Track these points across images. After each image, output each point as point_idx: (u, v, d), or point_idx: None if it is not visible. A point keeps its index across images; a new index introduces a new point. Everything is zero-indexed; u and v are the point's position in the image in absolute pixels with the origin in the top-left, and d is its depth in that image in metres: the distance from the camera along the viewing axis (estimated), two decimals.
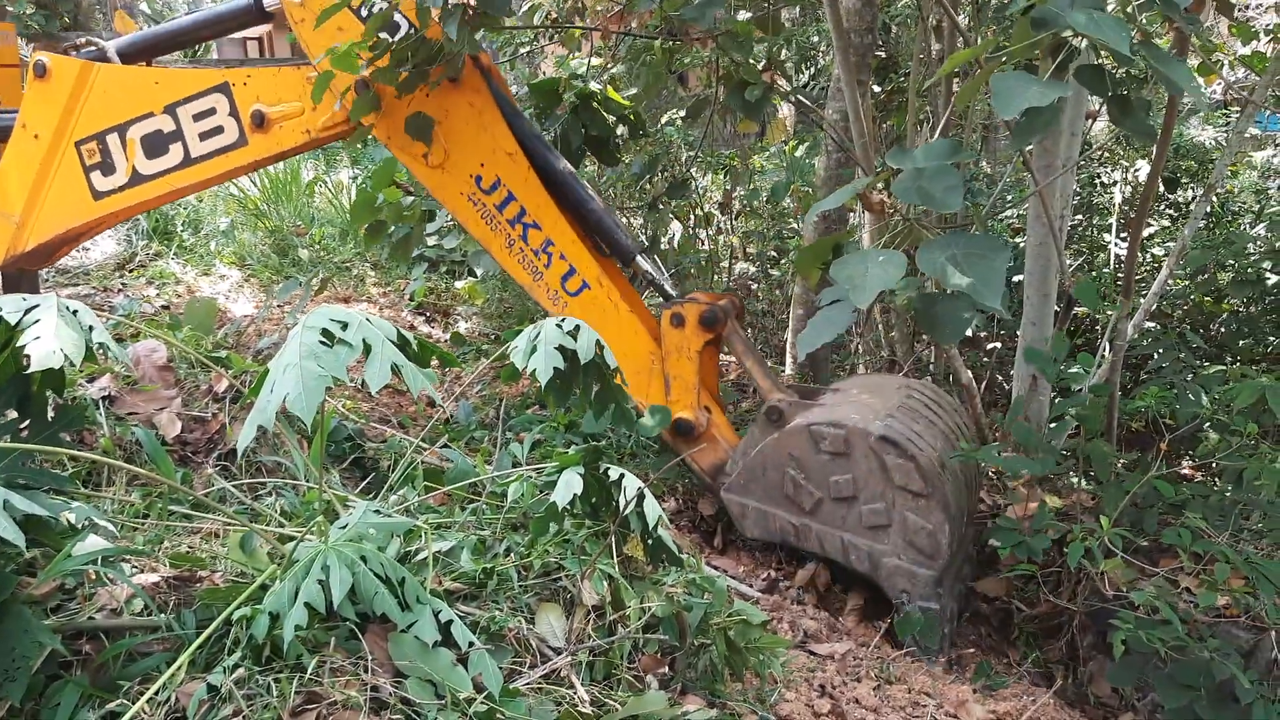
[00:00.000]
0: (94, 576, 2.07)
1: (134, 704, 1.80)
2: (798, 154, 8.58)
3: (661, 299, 4.14)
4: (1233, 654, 3.33)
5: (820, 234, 5.81)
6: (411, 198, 6.00)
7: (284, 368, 1.98)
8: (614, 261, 4.22)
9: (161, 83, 4.14)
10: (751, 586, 4.04)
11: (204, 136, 4.11)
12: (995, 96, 2.24)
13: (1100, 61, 2.80)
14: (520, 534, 2.70)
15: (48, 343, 1.95)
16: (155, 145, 4.16)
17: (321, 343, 2.03)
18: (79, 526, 2.05)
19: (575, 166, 4.81)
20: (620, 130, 5.31)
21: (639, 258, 4.12)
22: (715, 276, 7.67)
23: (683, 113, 7.17)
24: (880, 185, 2.76)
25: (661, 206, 6.58)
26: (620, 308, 4.04)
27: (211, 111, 4.10)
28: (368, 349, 2.09)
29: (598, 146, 5.15)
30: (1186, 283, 7.35)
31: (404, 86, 3.77)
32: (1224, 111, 9.09)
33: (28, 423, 2.15)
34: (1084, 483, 4.39)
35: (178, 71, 4.58)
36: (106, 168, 4.24)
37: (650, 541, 2.62)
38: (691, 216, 7.85)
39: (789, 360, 7.46)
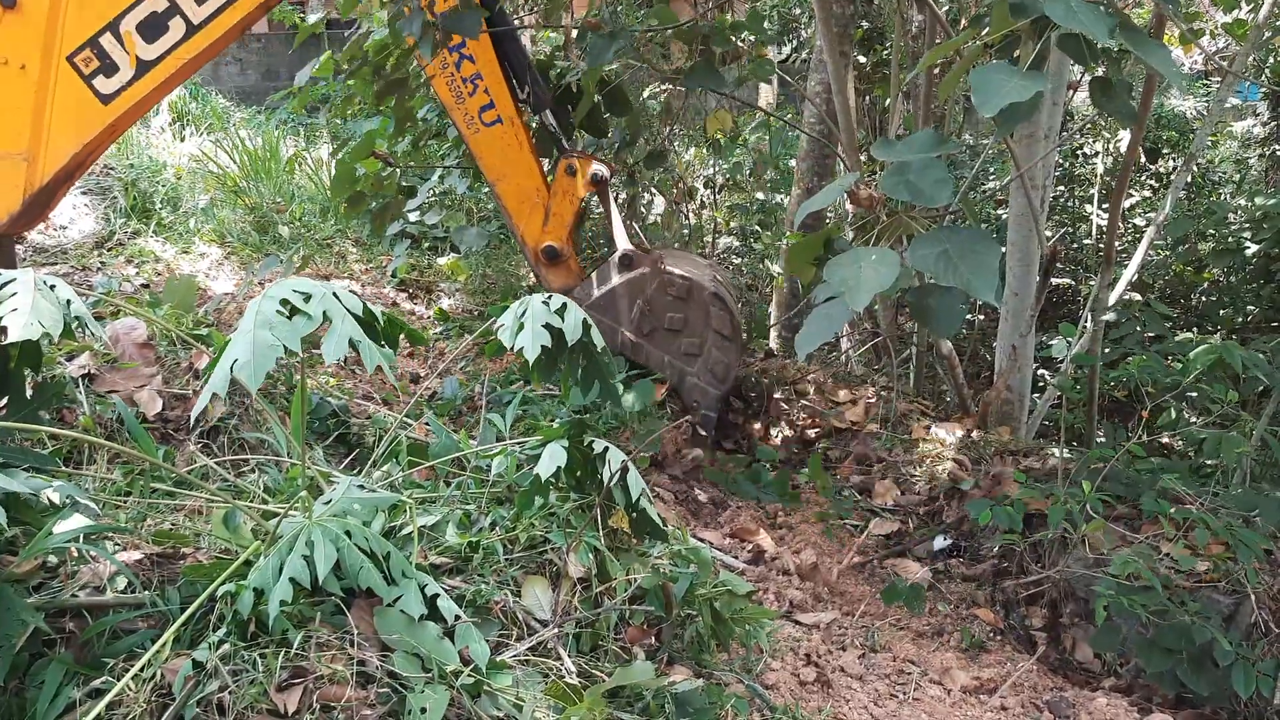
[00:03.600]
0: (76, 554, 2.06)
1: (119, 681, 1.80)
2: (779, 126, 8.54)
3: (557, 150, 4.88)
4: (1213, 618, 3.37)
5: (796, 217, 5.85)
6: (390, 169, 5.96)
7: (238, 336, 1.96)
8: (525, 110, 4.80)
9: None
10: (737, 558, 4.06)
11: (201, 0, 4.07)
12: (975, 93, 2.24)
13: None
14: (505, 508, 2.69)
15: (24, 316, 1.93)
16: (154, 27, 4.09)
17: (279, 313, 2.00)
18: (60, 504, 2.03)
19: (567, 138, 4.97)
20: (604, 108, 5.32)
21: (546, 111, 4.76)
22: (699, 251, 7.65)
23: (663, 89, 7.15)
24: (868, 179, 2.75)
25: (638, 177, 6.57)
26: (524, 147, 4.65)
27: None
28: (329, 322, 2.06)
29: (586, 119, 5.18)
30: (1167, 253, 7.38)
31: None
32: (1204, 82, 9.11)
33: (5, 401, 2.13)
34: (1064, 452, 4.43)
35: None
36: (108, 69, 4.17)
37: (635, 514, 2.62)
38: (674, 190, 7.83)
39: (773, 334, 7.47)
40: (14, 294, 2.01)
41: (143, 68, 4.15)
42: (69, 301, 2.08)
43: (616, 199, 5.08)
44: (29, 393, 2.18)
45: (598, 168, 4.75)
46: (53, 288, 2.08)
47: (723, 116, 6.81)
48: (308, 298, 2.04)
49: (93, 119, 4.22)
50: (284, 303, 2.00)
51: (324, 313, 2.04)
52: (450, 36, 3.96)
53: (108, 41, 4.11)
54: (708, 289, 4.74)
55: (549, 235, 4.82)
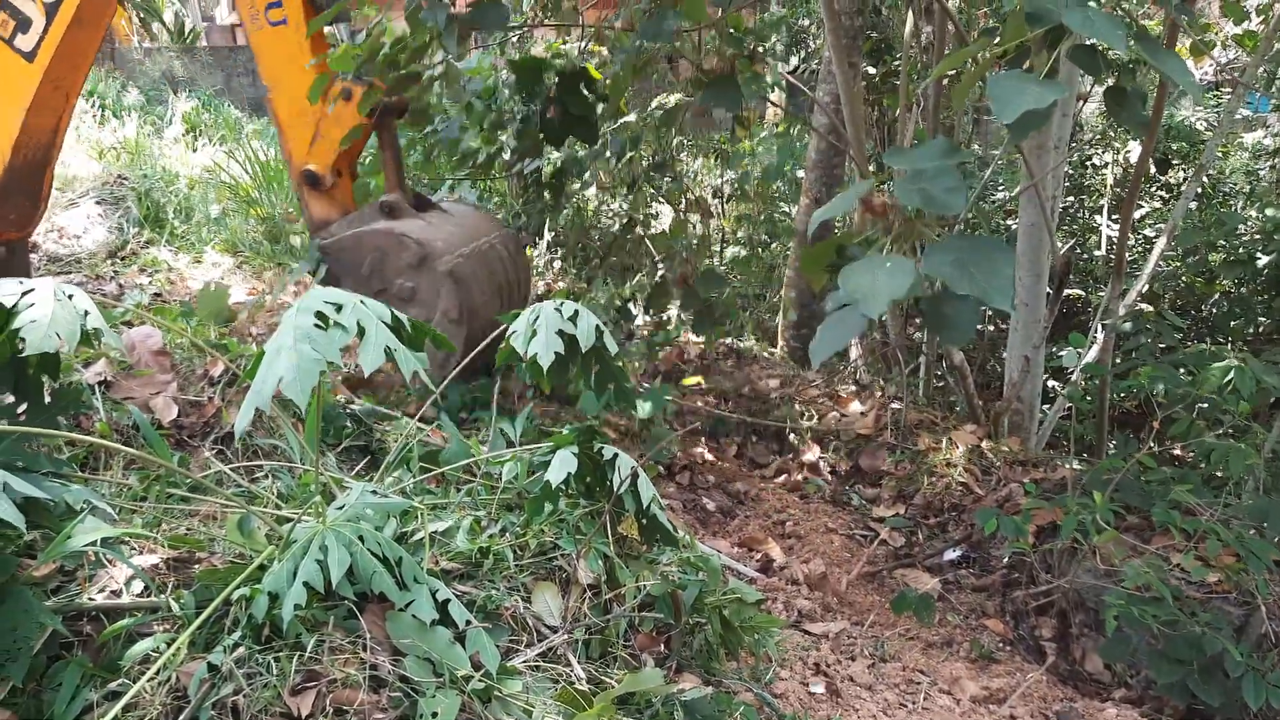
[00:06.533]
0: (93, 558, 2.08)
1: (135, 683, 1.81)
2: (786, 135, 8.57)
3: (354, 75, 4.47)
4: (1224, 629, 3.36)
5: (810, 225, 5.83)
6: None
7: (279, 351, 1.98)
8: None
9: None
10: (746, 567, 4.07)
11: None
12: (994, 101, 2.24)
13: (1093, 41, 2.81)
14: (515, 514, 2.71)
15: (43, 325, 1.96)
16: None
17: (316, 325, 2.03)
18: (78, 509, 2.05)
19: (558, 144, 4.89)
20: (600, 109, 5.30)
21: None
22: (706, 260, 7.67)
23: (671, 98, 7.17)
24: (881, 187, 2.76)
25: (642, 187, 6.59)
26: (305, 58, 4.32)
27: None
28: (362, 332, 2.09)
29: (577, 125, 5.15)
30: (1178, 264, 7.37)
31: None
32: (1215, 93, 9.11)
33: (24, 407, 2.15)
34: (1074, 463, 4.43)
35: None
36: (23, 25, 4.11)
37: (644, 521, 2.63)
38: (683, 200, 7.85)
39: (781, 342, 7.48)
40: (33, 304, 2.03)
41: (50, 11, 4.07)
42: (86, 312, 2.10)
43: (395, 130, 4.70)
44: (47, 399, 2.20)
45: (376, 99, 4.40)
46: (71, 297, 2.11)
47: (751, 117, 6.80)
48: (339, 308, 2.06)
49: (25, 80, 4.17)
50: (318, 315, 2.03)
51: (357, 322, 2.06)
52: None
53: None
54: (441, 268, 4.31)
55: (313, 158, 4.50)
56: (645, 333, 6.54)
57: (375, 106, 4.36)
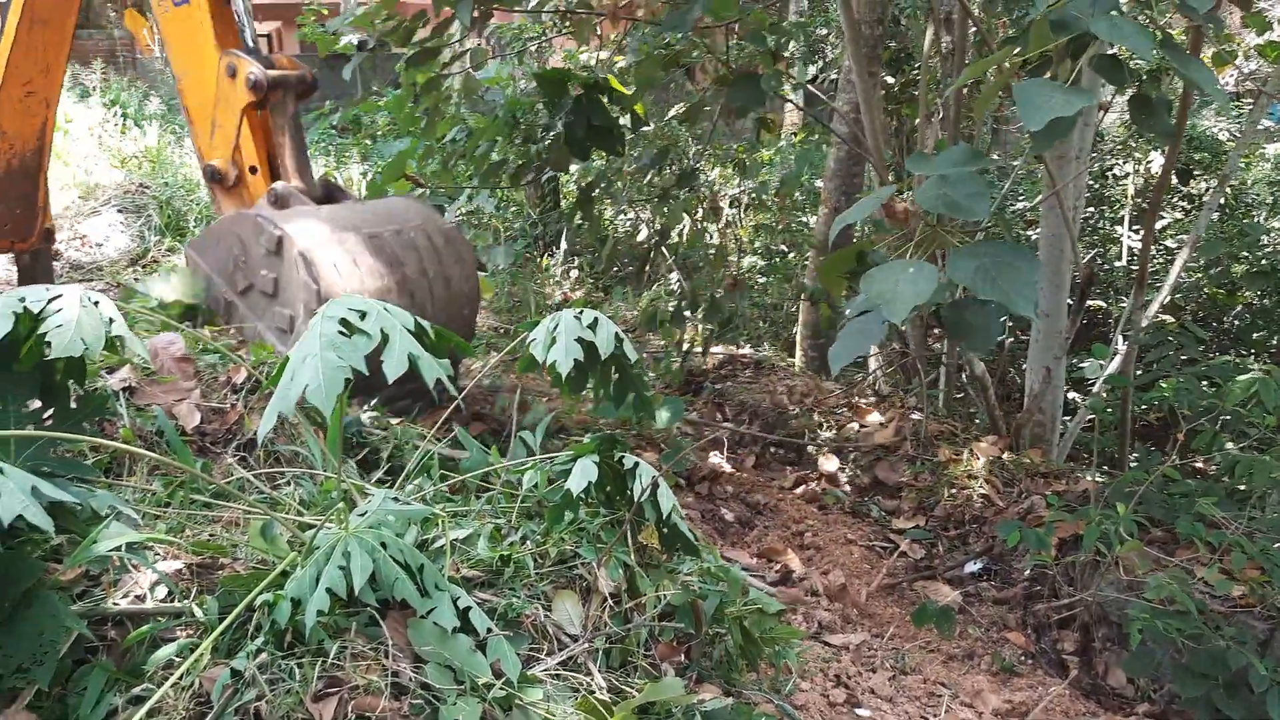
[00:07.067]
0: (118, 563, 2.09)
1: (159, 689, 1.82)
2: (805, 145, 8.57)
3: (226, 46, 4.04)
4: (1249, 643, 3.32)
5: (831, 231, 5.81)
6: (420, 189, 6.02)
7: (303, 358, 1.99)
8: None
9: None
10: (765, 579, 4.05)
11: None
12: (1020, 107, 2.23)
13: (1116, 51, 2.80)
14: (536, 522, 2.71)
15: (69, 330, 1.97)
16: None
17: (340, 332, 2.04)
18: (103, 514, 2.07)
19: (583, 157, 4.81)
20: (624, 121, 5.31)
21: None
22: (723, 270, 7.67)
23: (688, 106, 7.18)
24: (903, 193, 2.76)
25: (673, 199, 6.60)
26: (208, 40, 3.96)
27: None
28: (385, 339, 2.10)
29: (601, 137, 5.15)
30: (1200, 275, 7.33)
31: None
32: (1237, 103, 9.06)
33: (51, 411, 2.17)
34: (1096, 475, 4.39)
35: None
36: None
37: (665, 530, 2.63)
38: (700, 210, 7.86)
39: (799, 353, 7.46)
40: (60, 309, 2.05)
41: (3, 10, 4.04)
42: (111, 319, 2.12)
43: (298, 109, 4.16)
44: (73, 404, 2.22)
45: (254, 70, 3.89)
46: (96, 304, 2.13)
47: (776, 121, 6.81)
48: (363, 315, 2.07)
49: None
50: (343, 322, 2.04)
51: (381, 329, 2.07)
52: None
53: None
54: (299, 246, 3.60)
55: (214, 151, 4.04)
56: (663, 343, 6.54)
57: (261, 83, 3.88)
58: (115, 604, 2.03)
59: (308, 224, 3.76)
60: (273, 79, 3.94)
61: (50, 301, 2.07)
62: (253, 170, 4.09)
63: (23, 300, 2.04)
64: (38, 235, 4.74)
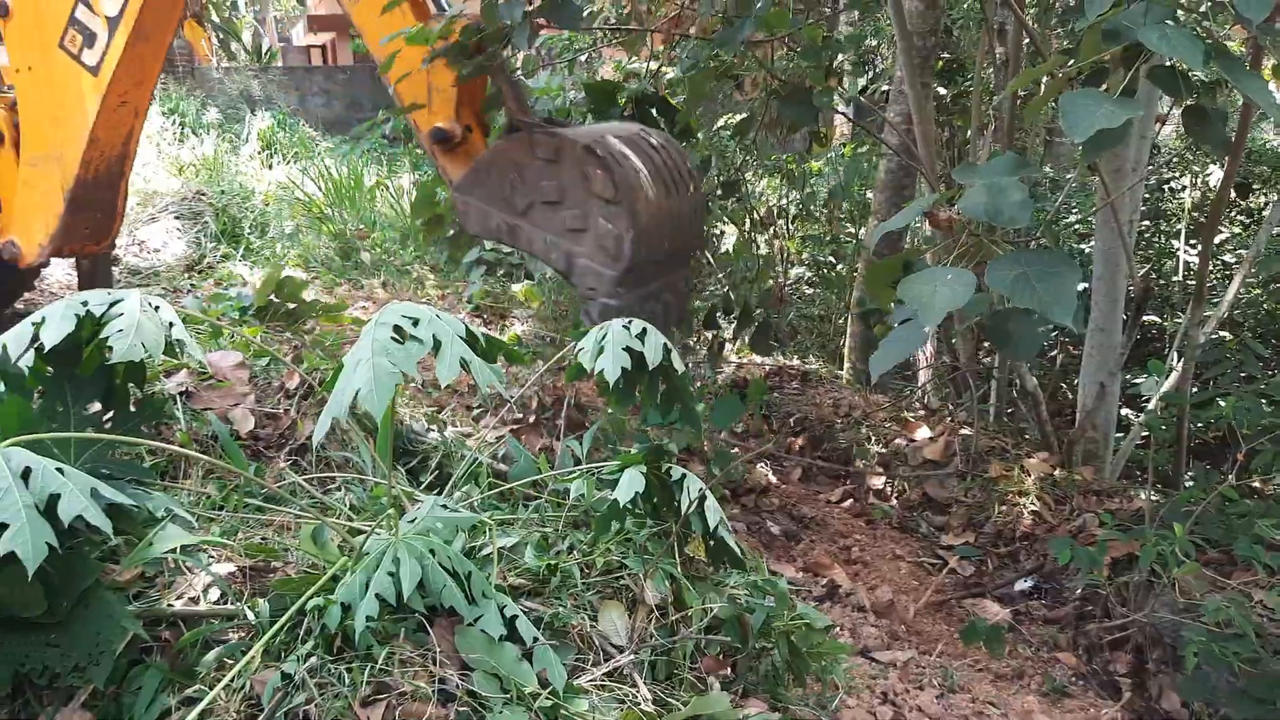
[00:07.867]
0: (173, 565, 2.12)
1: (211, 690, 1.84)
2: (855, 156, 8.51)
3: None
4: None
5: (882, 247, 5.76)
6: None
7: (356, 363, 2.01)
8: None
9: None
10: (810, 593, 4.02)
11: None
12: (1065, 118, 2.20)
13: (1173, 62, 2.74)
14: (583, 532, 2.71)
15: (130, 335, 2.01)
16: None
17: (393, 339, 2.06)
18: (159, 516, 2.10)
19: None
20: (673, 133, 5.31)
21: None
22: (771, 280, 7.64)
23: (737, 118, 7.17)
24: (947, 201, 2.73)
25: (713, 207, 6.58)
26: (405, 17, 3.96)
27: None
28: (437, 345, 2.12)
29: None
30: (1259, 291, 7.16)
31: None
32: None
33: (111, 414, 2.21)
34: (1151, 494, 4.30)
35: None
36: (88, 39, 4.19)
37: (712, 543, 2.61)
38: (747, 220, 7.84)
39: (847, 365, 7.41)
40: (121, 314, 2.10)
41: (112, 24, 4.16)
42: (171, 324, 2.16)
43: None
44: (132, 408, 2.26)
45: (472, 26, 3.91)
46: (157, 309, 2.17)
47: (826, 131, 6.78)
48: (416, 322, 2.09)
49: (91, 94, 4.26)
50: (396, 329, 2.06)
51: (433, 336, 2.09)
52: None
53: (83, 13, 4.15)
54: (579, 144, 3.73)
55: (436, 115, 4.14)
56: (703, 351, 6.52)
57: (471, 39, 3.94)
58: (170, 605, 2.06)
59: (574, 131, 3.93)
60: (480, 33, 3.98)
61: (112, 306, 2.12)
62: (467, 130, 4.22)
63: (85, 304, 2.08)
64: (112, 239, 4.87)
